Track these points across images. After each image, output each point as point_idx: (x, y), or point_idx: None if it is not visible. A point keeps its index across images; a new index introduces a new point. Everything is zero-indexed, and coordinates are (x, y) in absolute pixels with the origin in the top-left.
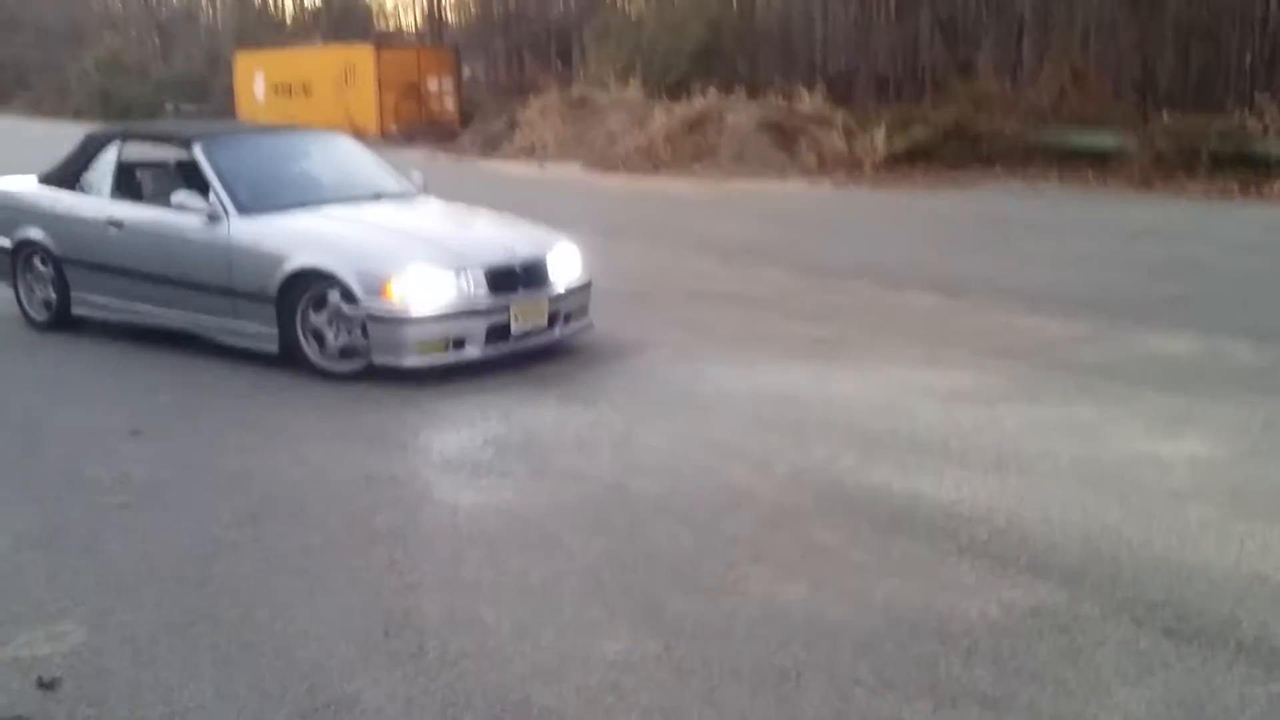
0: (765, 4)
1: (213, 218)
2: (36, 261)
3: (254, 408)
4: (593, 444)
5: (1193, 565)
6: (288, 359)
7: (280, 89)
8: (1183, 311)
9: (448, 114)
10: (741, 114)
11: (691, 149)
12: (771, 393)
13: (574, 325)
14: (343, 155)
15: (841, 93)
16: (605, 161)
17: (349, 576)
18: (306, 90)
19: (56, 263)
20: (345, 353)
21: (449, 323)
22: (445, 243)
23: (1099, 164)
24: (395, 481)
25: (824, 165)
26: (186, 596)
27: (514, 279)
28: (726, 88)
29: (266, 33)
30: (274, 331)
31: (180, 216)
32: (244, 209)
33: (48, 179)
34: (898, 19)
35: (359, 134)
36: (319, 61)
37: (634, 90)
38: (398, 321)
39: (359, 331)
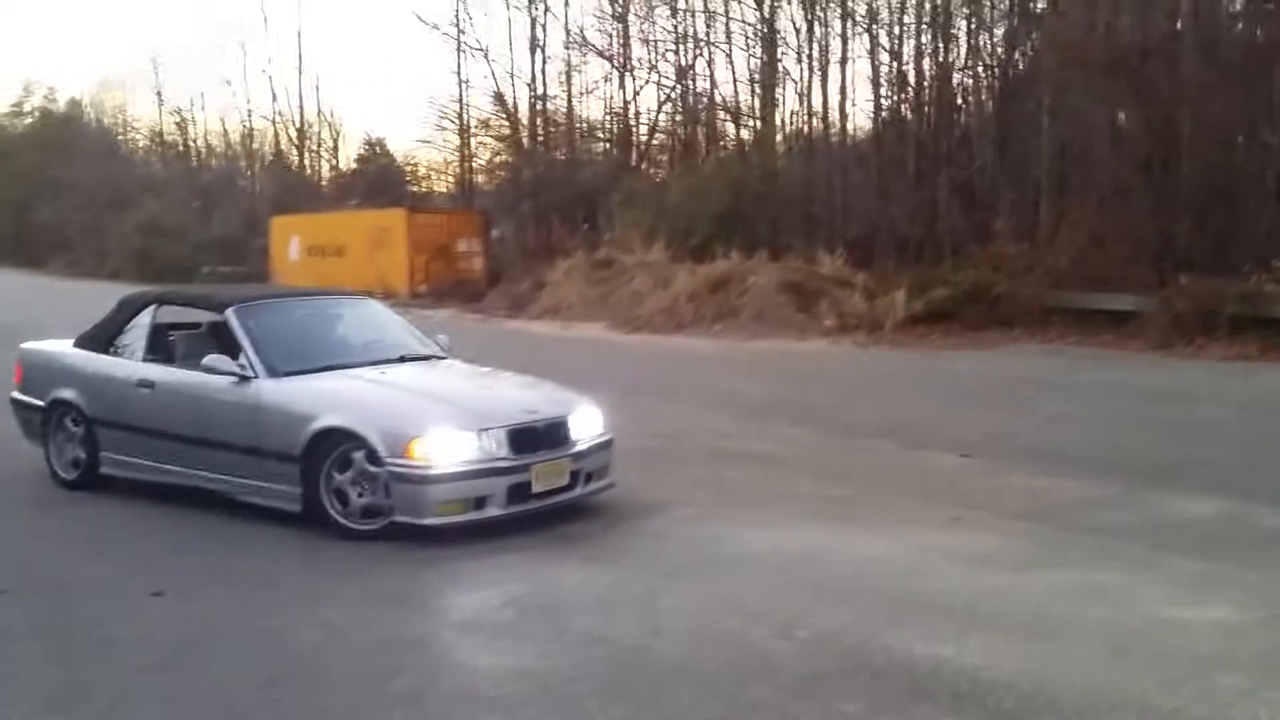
0: (786, 169)
1: (242, 379)
2: (68, 421)
3: (276, 568)
4: (613, 606)
5: None
6: (310, 518)
7: (314, 250)
8: (1204, 475)
9: (476, 275)
10: (763, 275)
11: (714, 309)
12: (793, 554)
13: (595, 484)
14: (371, 318)
15: (861, 255)
16: (629, 322)
17: None
18: (340, 251)
19: (88, 422)
20: (368, 512)
21: (470, 482)
22: (468, 403)
23: (1117, 326)
24: (415, 644)
25: (844, 326)
26: None
27: (536, 439)
28: (748, 250)
29: (303, 196)
30: (298, 490)
31: (210, 379)
32: (273, 371)
33: (82, 342)
34: (916, 184)
35: (390, 294)
36: (352, 225)
37: (658, 252)
38: (420, 480)
39: (382, 491)
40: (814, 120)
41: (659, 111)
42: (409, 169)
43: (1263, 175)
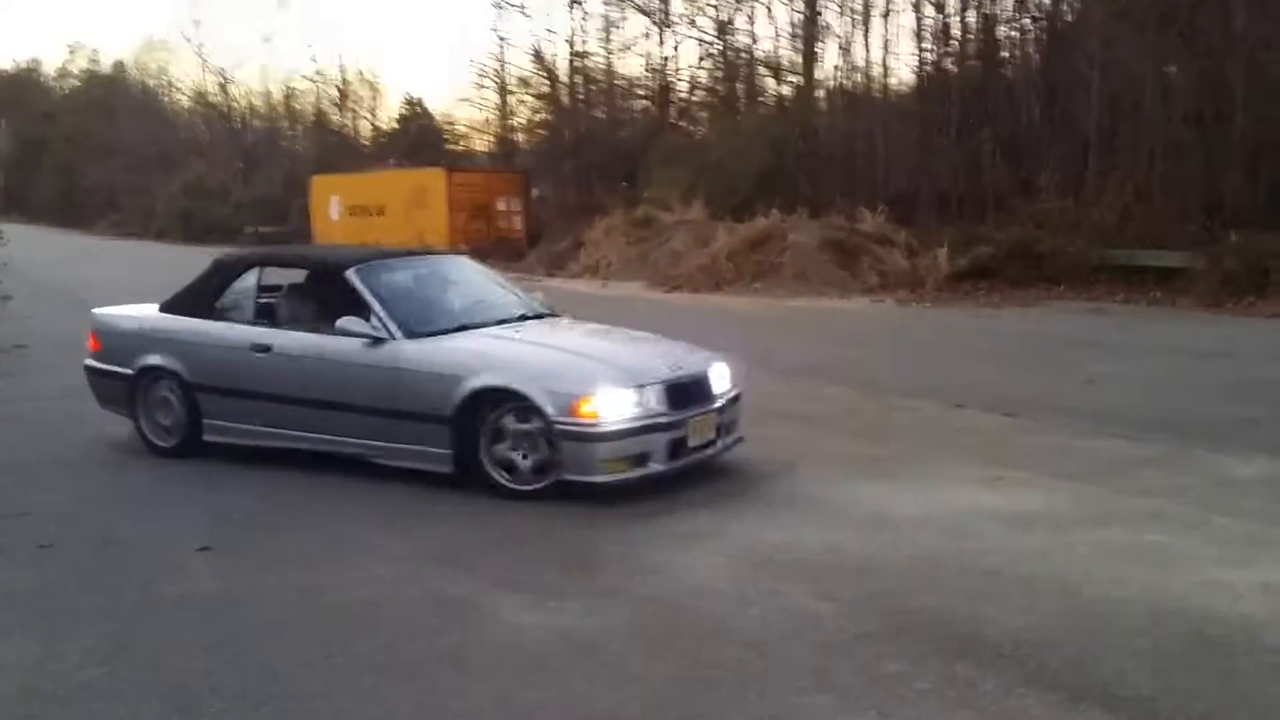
0: (828, 126)
1: (376, 341)
2: (163, 389)
3: (328, 526)
4: (655, 566)
5: (1272, 697)
6: (462, 479)
7: (354, 210)
8: (1254, 435)
9: (515, 233)
10: (804, 233)
11: (754, 268)
12: (836, 514)
13: (732, 438)
14: (472, 277)
15: (903, 212)
16: (668, 280)
17: (415, 699)
18: (380, 211)
19: (187, 389)
20: (535, 471)
21: (636, 438)
22: (621, 361)
23: (1165, 284)
24: (462, 602)
25: (886, 284)
26: (247, 716)
27: (687, 394)
28: (789, 208)
29: (344, 156)
30: (448, 452)
31: (335, 341)
32: (410, 332)
33: (174, 306)
34: (959, 139)
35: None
36: (392, 184)
37: (697, 210)
38: (591, 438)
39: (545, 449)
40: (856, 75)
41: (699, 68)
42: (448, 128)
43: None
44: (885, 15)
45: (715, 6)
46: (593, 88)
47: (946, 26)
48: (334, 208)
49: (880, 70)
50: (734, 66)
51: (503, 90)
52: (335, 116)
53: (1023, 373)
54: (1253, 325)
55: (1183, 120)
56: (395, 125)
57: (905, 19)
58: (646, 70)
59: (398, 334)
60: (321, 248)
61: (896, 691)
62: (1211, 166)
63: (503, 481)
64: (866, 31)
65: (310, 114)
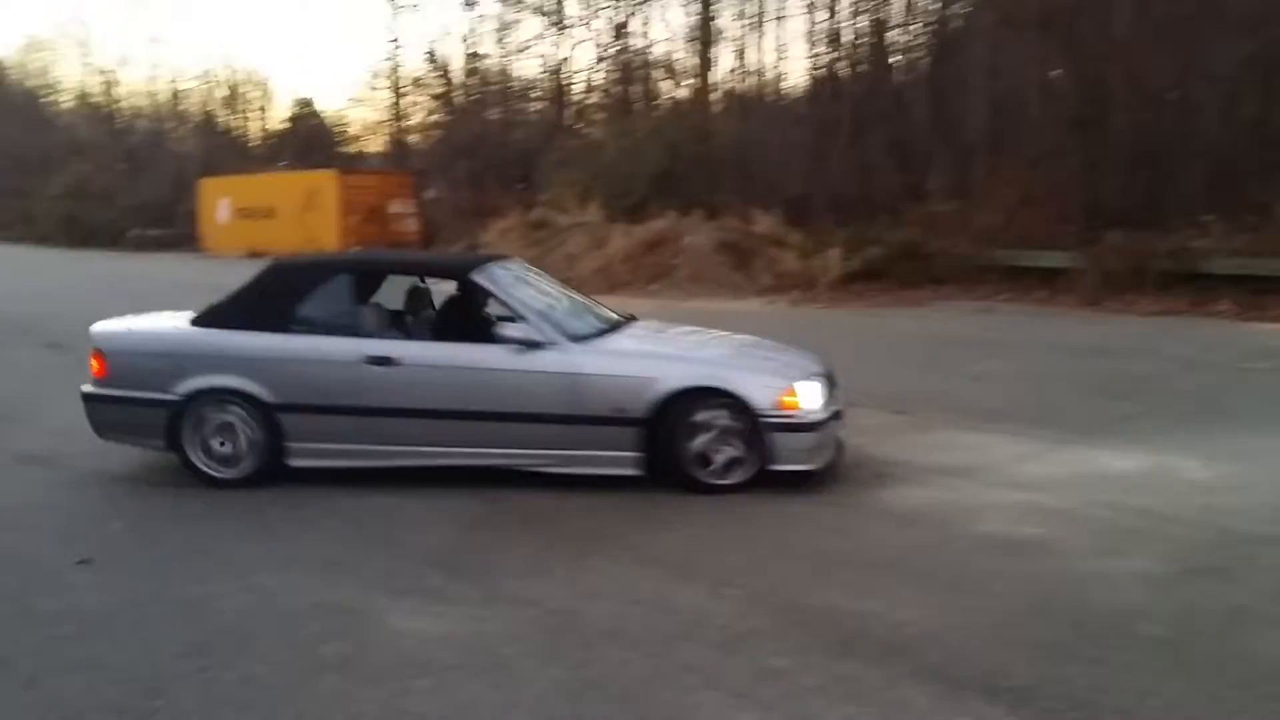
0: (722, 129)
1: (531, 346)
2: (224, 413)
3: (205, 535)
4: (544, 569)
5: (1148, 685)
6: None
7: (244, 212)
8: (1132, 429)
9: (410, 236)
10: (699, 235)
11: (650, 269)
12: (725, 512)
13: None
14: (539, 280)
15: (797, 214)
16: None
17: (295, 710)
18: (269, 213)
19: (265, 411)
20: (726, 466)
21: (828, 427)
22: (788, 357)
23: (1049, 283)
24: (343, 609)
25: (780, 285)
26: None
27: (835, 387)
28: (684, 210)
29: (232, 157)
30: (637, 455)
31: (475, 349)
32: (575, 337)
33: (219, 320)
34: (851, 143)
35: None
36: (282, 186)
37: (593, 212)
38: (801, 428)
39: (742, 444)
40: (750, 78)
41: (595, 70)
42: (340, 129)
43: (1190, 133)
44: (778, 20)
45: (611, 9)
46: (488, 89)
47: (837, 31)
48: (223, 210)
49: (774, 74)
50: (630, 69)
51: (396, 91)
52: (224, 117)
53: (911, 371)
54: (1130, 323)
55: (1064, 124)
56: (285, 126)
57: (798, 24)
58: (543, 72)
59: (559, 338)
60: (399, 253)
61: (784, 688)
62: (1092, 169)
63: (701, 478)
64: (760, 36)
65: (198, 114)
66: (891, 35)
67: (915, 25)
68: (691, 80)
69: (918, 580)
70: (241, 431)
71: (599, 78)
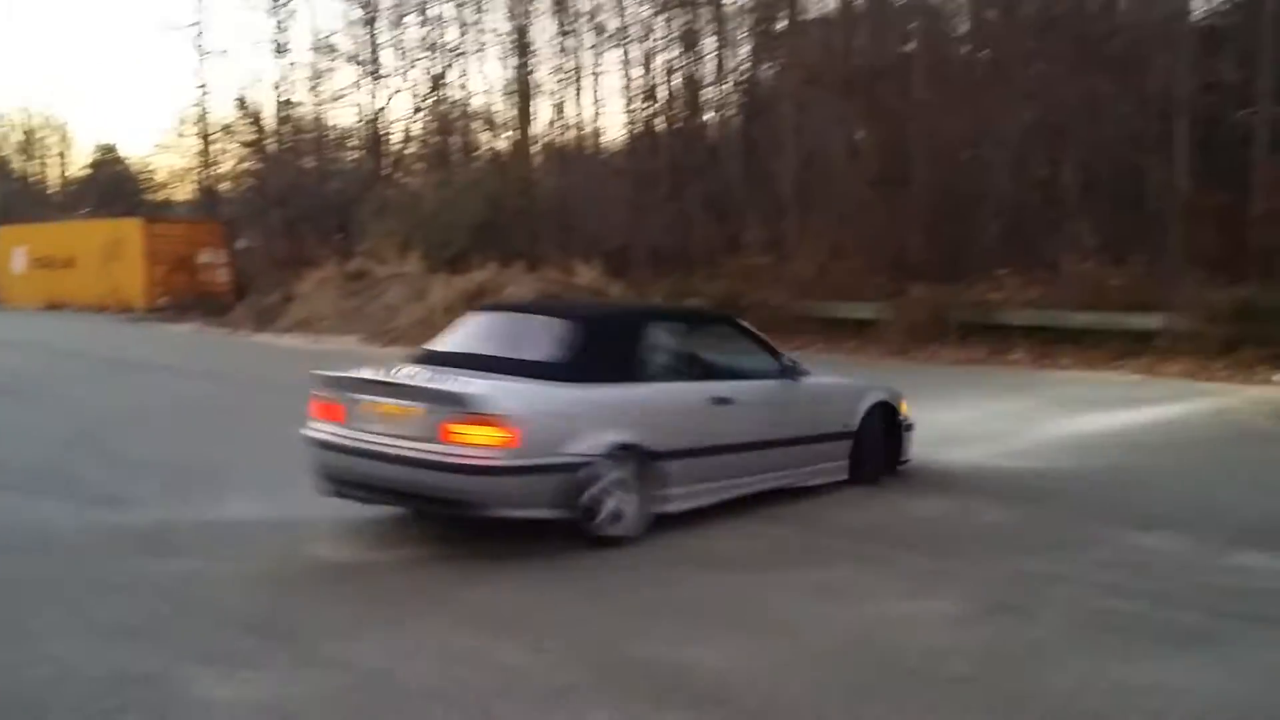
0: (543, 180)
1: (794, 376)
2: (618, 469)
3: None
4: (356, 630)
5: None
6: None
7: (42, 262)
8: (929, 474)
9: (221, 287)
10: (520, 286)
11: None
12: (547, 565)
13: None
14: None
15: (618, 266)
16: (384, 334)
17: None
18: (69, 263)
19: (651, 460)
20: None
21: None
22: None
23: (860, 333)
24: (147, 679)
25: None
26: None
27: None
28: (505, 261)
29: (30, 205)
30: (847, 461)
31: (769, 384)
32: (800, 369)
33: (581, 373)
34: (670, 197)
35: (126, 308)
36: (83, 235)
37: (413, 263)
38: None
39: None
40: (569, 132)
41: (412, 120)
42: (146, 176)
43: (984, 192)
44: (595, 75)
45: (427, 59)
46: (302, 137)
47: (653, 87)
48: (18, 259)
49: (593, 128)
50: (448, 120)
51: (205, 138)
52: (19, 163)
53: None
54: (934, 370)
55: (868, 181)
56: (86, 172)
57: (615, 79)
58: (359, 121)
59: (803, 369)
60: (643, 303)
61: None
62: (895, 224)
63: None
64: (579, 90)
65: None
66: (705, 92)
67: (727, 84)
68: (511, 132)
69: (734, 626)
70: (629, 483)
71: (417, 128)
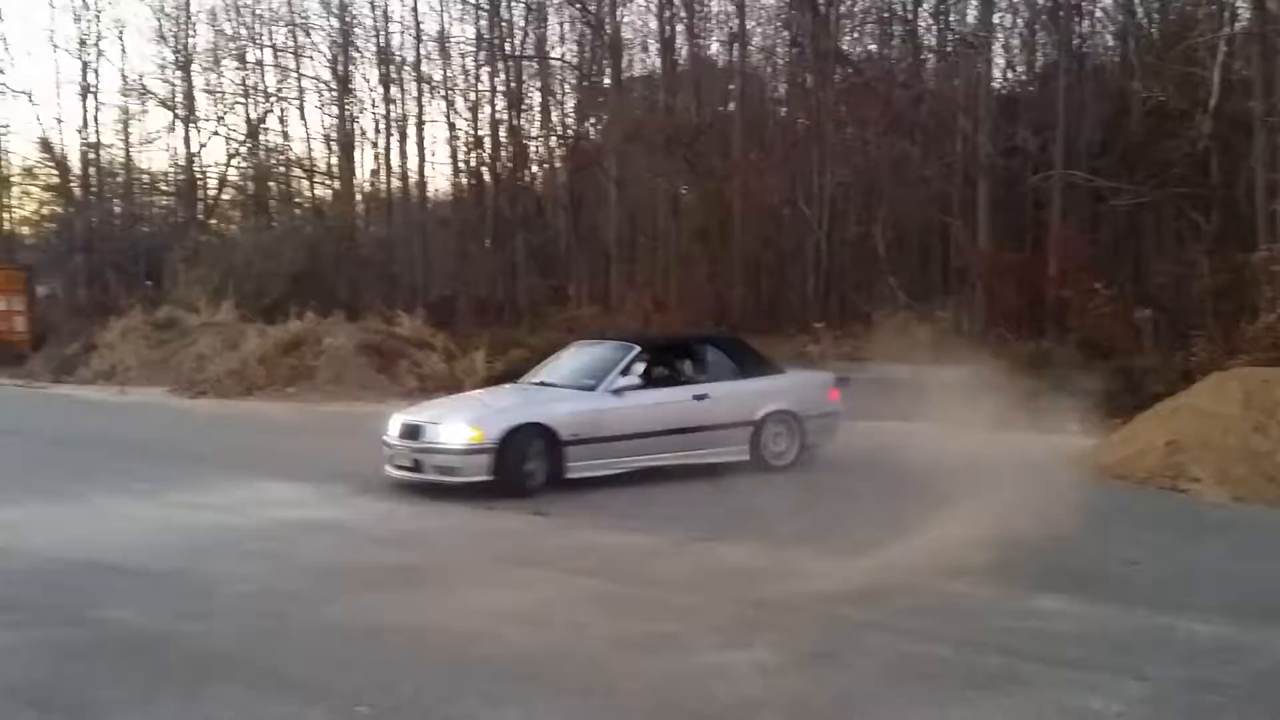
0: (365, 229)
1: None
2: None
3: None
4: (152, 699)
5: None
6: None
7: None
8: (749, 527)
9: (17, 335)
10: (340, 337)
11: (288, 372)
12: (355, 622)
13: None
14: None
15: (443, 316)
16: (193, 385)
17: None
18: None
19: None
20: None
21: None
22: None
23: None
24: None
25: (425, 387)
26: None
27: None
28: (325, 311)
29: None
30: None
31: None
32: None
33: None
34: (494, 248)
35: None
36: None
37: (226, 312)
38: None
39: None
40: (393, 181)
41: (228, 165)
42: None
43: (804, 251)
44: (419, 124)
45: (244, 104)
46: (109, 180)
47: (479, 139)
48: None
49: (417, 177)
50: (266, 166)
51: (2, 180)
52: None
53: None
54: None
55: (691, 235)
56: None
57: (440, 129)
58: (171, 165)
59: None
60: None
61: None
62: (717, 278)
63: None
64: (403, 140)
65: None
66: (531, 145)
67: (552, 138)
68: (332, 180)
69: (554, 683)
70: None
71: (233, 174)
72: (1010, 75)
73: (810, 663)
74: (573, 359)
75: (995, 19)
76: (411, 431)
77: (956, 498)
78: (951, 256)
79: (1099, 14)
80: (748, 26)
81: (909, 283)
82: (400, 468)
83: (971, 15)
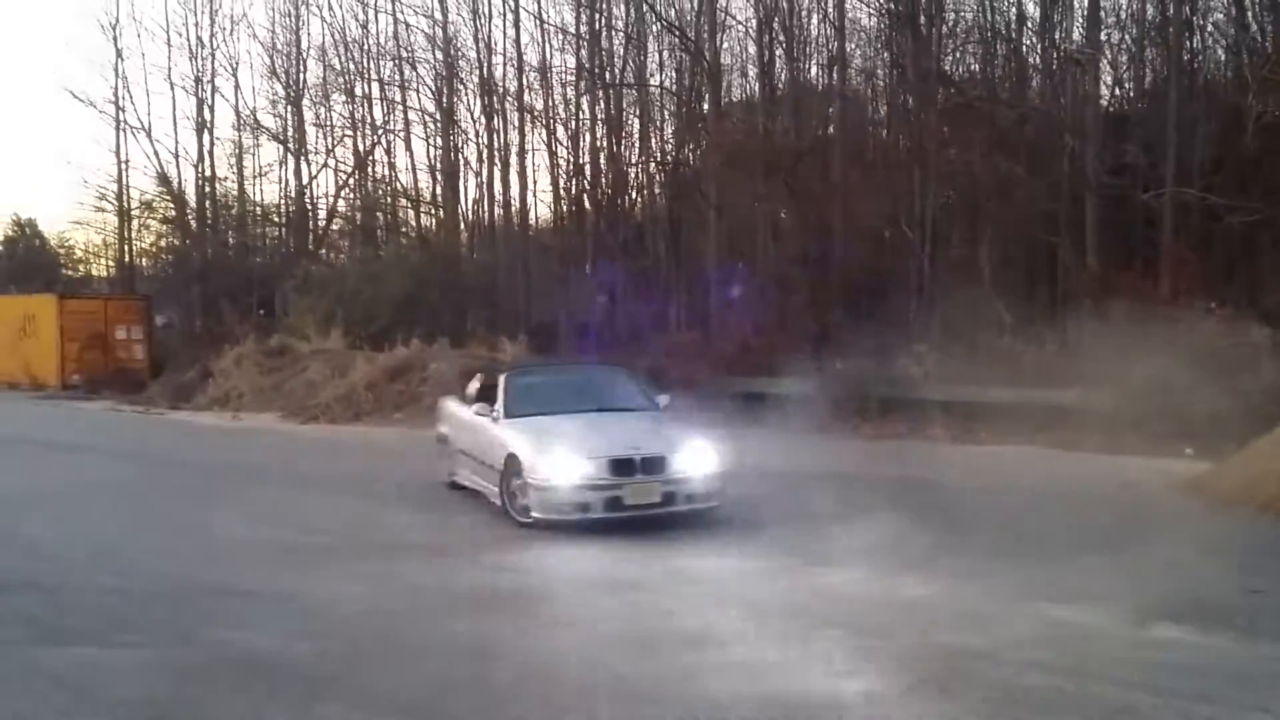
0: (470, 256)
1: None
2: None
3: None
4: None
5: None
6: None
7: None
8: (858, 549)
9: (137, 363)
10: (444, 362)
11: (395, 397)
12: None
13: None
14: None
15: (545, 342)
16: (304, 411)
17: None
18: None
19: None
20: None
21: None
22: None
23: (780, 408)
24: None
25: None
26: None
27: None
28: (430, 337)
29: None
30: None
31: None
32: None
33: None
34: (594, 274)
35: (39, 385)
36: None
37: (335, 340)
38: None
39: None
40: (496, 209)
41: (337, 197)
42: (63, 251)
43: (905, 271)
44: (521, 154)
45: (352, 137)
46: (224, 213)
47: (581, 167)
48: None
49: (519, 206)
50: (373, 197)
51: (123, 213)
52: None
53: None
54: (856, 446)
55: (791, 259)
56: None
57: (541, 157)
58: (283, 197)
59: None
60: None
61: None
62: (817, 301)
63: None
64: (505, 169)
65: None
66: (631, 171)
67: (652, 164)
68: (437, 210)
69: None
70: None
71: (341, 204)
72: (1119, 92)
73: (918, 692)
74: (531, 387)
75: (1103, 36)
76: (654, 465)
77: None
78: (1060, 277)
79: (1210, 29)
80: (847, 49)
81: (1016, 304)
82: (639, 506)
83: (1078, 33)
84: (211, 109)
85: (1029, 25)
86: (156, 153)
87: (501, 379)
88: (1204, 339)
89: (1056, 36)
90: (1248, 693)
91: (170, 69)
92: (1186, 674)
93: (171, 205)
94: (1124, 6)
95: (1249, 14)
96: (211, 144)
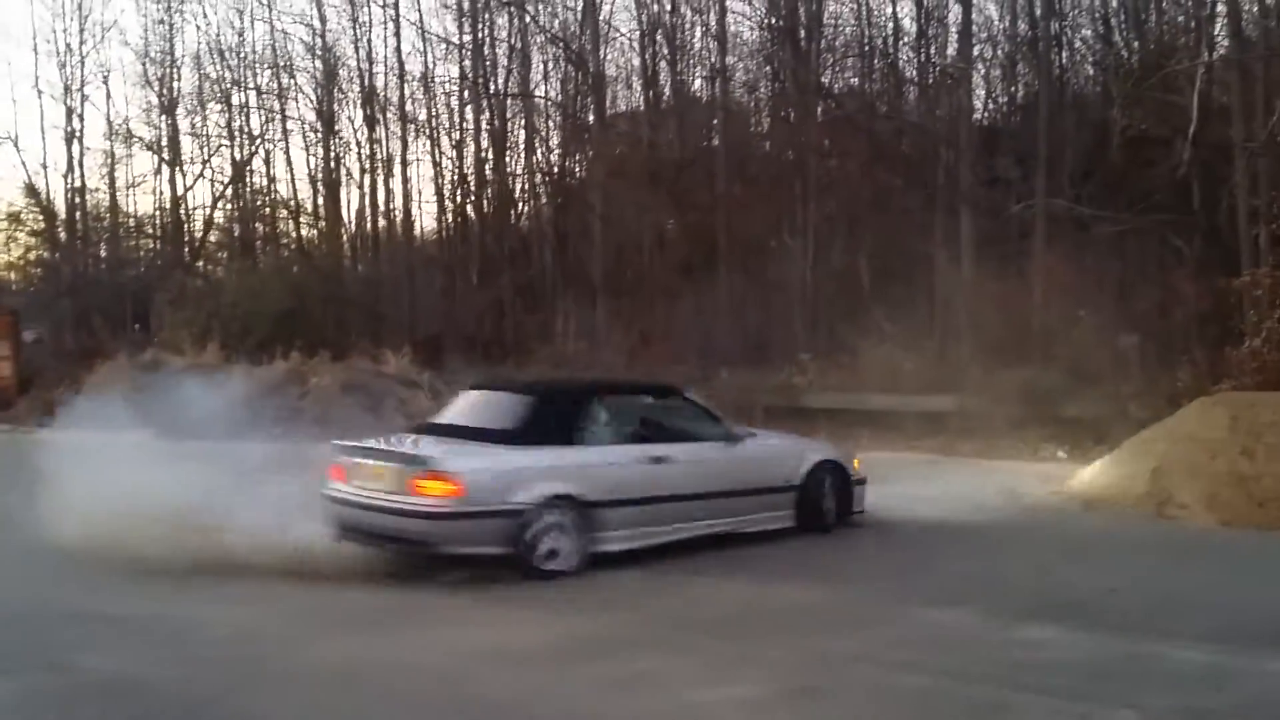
0: (352, 269)
1: (733, 440)
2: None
3: None
4: None
5: None
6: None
7: None
8: (724, 561)
9: (3, 380)
10: (325, 376)
11: (273, 412)
12: (333, 665)
13: None
14: None
15: (430, 354)
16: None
17: None
18: None
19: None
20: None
21: None
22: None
23: None
24: None
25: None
26: None
27: None
28: (311, 351)
29: None
30: (792, 511)
31: (707, 446)
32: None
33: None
34: (481, 285)
35: None
36: None
37: (212, 354)
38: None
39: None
40: (379, 220)
41: (214, 208)
42: None
43: (791, 283)
44: (404, 164)
45: (230, 147)
46: (96, 225)
47: (464, 177)
48: None
49: (403, 217)
50: (251, 208)
51: None
52: None
53: None
54: None
55: (676, 269)
56: None
57: (425, 168)
58: (157, 208)
59: (742, 433)
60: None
61: None
62: (703, 311)
63: (829, 521)
64: (388, 179)
65: None
66: (516, 182)
67: (537, 174)
68: (318, 221)
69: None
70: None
71: (219, 216)
72: (992, 106)
73: (794, 696)
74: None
75: (975, 51)
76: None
77: (941, 524)
78: (937, 287)
79: (1079, 44)
80: (729, 62)
81: (894, 313)
82: None
83: (952, 48)
84: (81, 117)
85: (905, 40)
86: (24, 162)
87: (693, 396)
88: (1075, 346)
89: (931, 51)
90: (1113, 690)
91: (37, 76)
92: (1055, 672)
93: (40, 217)
94: (996, 22)
95: (1115, 31)
96: (81, 154)
